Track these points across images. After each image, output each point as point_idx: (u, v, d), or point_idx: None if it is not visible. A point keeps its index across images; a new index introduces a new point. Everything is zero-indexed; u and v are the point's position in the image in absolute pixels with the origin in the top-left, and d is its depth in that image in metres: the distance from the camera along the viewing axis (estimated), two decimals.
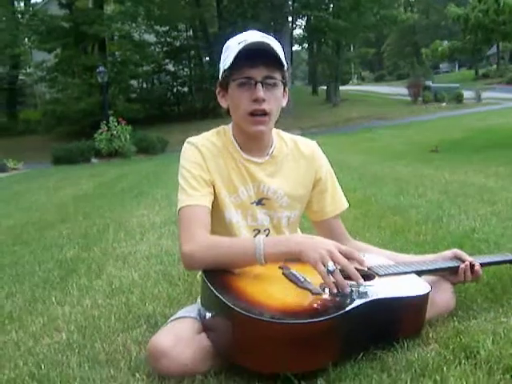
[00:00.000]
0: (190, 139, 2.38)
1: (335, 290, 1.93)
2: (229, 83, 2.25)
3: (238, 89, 2.21)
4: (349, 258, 1.99)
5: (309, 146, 2.53)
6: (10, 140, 31.65)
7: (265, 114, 2.22)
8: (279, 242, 2.09)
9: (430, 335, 2.17)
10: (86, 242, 5.10)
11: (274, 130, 2.44)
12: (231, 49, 2.21)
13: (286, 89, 2.32)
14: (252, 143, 2.36)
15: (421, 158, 10.52)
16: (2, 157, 20.48)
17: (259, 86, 2.17)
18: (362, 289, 2.02)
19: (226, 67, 2.22)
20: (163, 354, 1.99)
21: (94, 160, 21.76)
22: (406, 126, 23.96)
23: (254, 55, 2.15)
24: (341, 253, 1.97)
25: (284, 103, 2.33)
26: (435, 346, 2.08)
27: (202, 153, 2.32)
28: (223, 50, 2.30)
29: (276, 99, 2.25)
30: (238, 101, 2.23)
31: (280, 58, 2.19)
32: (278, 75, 2.23)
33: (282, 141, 2.46)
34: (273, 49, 2.16)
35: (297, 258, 2.02)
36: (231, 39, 2.28)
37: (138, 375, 2.09)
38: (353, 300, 1.94)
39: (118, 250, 4.60)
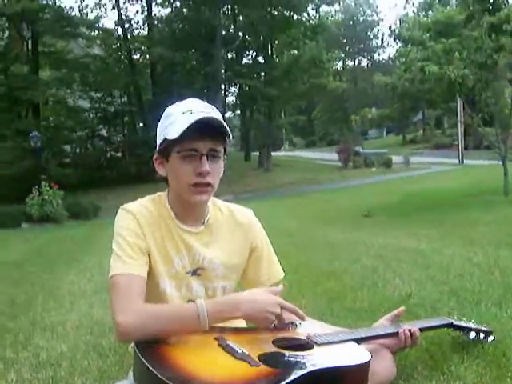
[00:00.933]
0: (126, 206, 2.30)
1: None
2: (170, 153, 2.20)
3: (181, 160, 2.17)
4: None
5: (244, 214, 2.50)
6: None
7: (208, 185, 2.19)
8: (222, 306, 2.06)
9: None
10: (13, 310, 4.93)
11: (210, 199, 2.39)
12: (175, 118, 2.17)
13: (225, 159, 2.30)
14: (189, 212, 2.31)
15: (353, 222, 10.66)
16: None
17: (204, 159, 2.15)
18: (301, 359, 1.97)
19: (169, 137, 2.16)
20: None
21: (24, 225, 21.27)
22: (337, 190, 24.36)
23: (201, 128, 2.12)
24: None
25: (222, 172, 2.30)
26: None
27: (138, 220, 2.25)
28: (164, 117, 2.26)
29: (218, 171, 2.24)
30: (181, 172, 2.19)
31: (227, 132, 2.17)
32: (221, 147, 2.21)
33: (217, 209, 2.43)
34: (220, 122, 2.15)
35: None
36: (173, 106, 2.26)
37: None
38: (294, 370, 1.88)
39: (47, 320, 4.45)
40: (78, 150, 42.23)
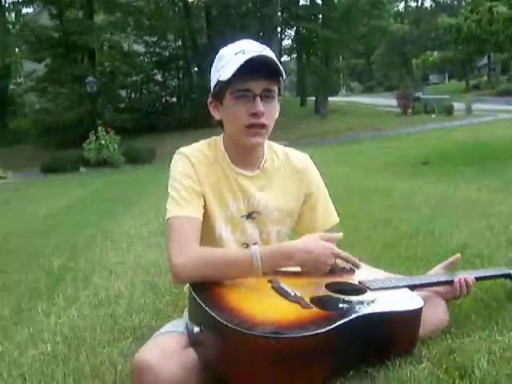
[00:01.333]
0: (182, 150, 2.32)
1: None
2: (224, 95, 2.19)
3: (235, 101, 2.16)
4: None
5: (301, 159, 2.48)
6: (0, 149, 31.48)
7: (263, 126, 2.18)
8: (276, 255, 2.07)
9: (423, 353, 2.11)
10: (73, 251, 5.08)
11: (267, 142, 2.38)
12: (228, 59, 2.16)
13: (280, 100, 2.28)
14: (244, 156, 2.31)
15: (411, 170, 10.44)
16: None
17: (258, 99, 2.13)
18: (354, 303, 1.99)
19: (222, 78, 2.15)
20: (148, 370, 1.93)
21: (82, 169, 21.67)
22: (395, 137, 23.86)
23: (254, 67, 2.09)
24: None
25: (277, 114, 2.28)
26: (428, 364, 2.02)
27: (194, 164, 2.26)
28: (217, 59, 2.24)
29: (273, 112, 2.21)
30: (234, 114, 2.18)
31: (280, 71, 2.14)
32: (275, 87, 2.19)
33: (274, 153, 2.42)
34: (273, 61, 2.12)
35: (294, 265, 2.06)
36: (225, 48, 2.24)
37: None
38: (345, 314, 1.91)
39: (105, 261, 4.57)
40: (133, 95, 42.45)
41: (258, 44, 2.19)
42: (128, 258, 4.59)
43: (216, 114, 2.28)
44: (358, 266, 2.14)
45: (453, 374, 1.92)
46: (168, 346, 2.03)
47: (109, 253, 4.90)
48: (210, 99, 2.28)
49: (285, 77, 2.19)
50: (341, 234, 2.21)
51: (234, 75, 2.09)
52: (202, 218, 2.21)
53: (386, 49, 72.49)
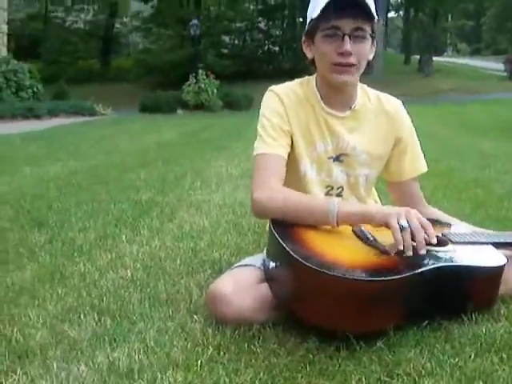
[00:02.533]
0: (273, 87, 2.33)
1: (401, 248, 1.82)
2: (315, 33, 2.16)
3: (324, 39, 2.12)
4: (423, 227, 1.87)
5: (393, 103, 2.43)
6: (101, 86, 32.27)
7: (351, 65, 2.13)
8: (354, 214, 2.00)
9: (502, 312, 2.06)
10: (162, 186, 5.14)
11: (359, 85, 2.34)
12: None
13: (375, 42, 2.21)
14: (335, 95, 2.27)
15: (510, 134, 10.14)
16: (92, 101, 20.88)
17: (347, 38, 2.07)
18: (432, 254, 1.94)
19: (313, 16, 2.12)
20: (222, 299, 1.97)
21: (179, 111, 21.99)
22: (498, 101, 23.10)
23: (342, 5, 2.04)
24: (419, 220, 1.87)
25: (371, 56, 2.22)
26: (506, 323, 1.97)
27: (284, 102, 2.26)
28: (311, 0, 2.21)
29: (363, 53, 2.15)
30: (324, 52, 2.14)
31: (370, 10, 2.07)
32: (367, 27, 2.11)
33: (366, 96, 2.36)
34: (364, 1, 2.05)
35: (371, 220, 1.96)
36: None
37: (195, 317, 2.08)
38: (423, 263, 1.86)
39: (193, 197, 4.61)
40: (236, 42, 42.57)
41: None
42: (215, 197, 4.61)
43: (308, 53, 2.27)
44: (431, 238, 1.95)
45: None
46: (243, 278, 2.06)
47: (197, 190, 4.93)
48: (303, 38, 2.27)
49: (376, 18, 2.11)
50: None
51: (322, 12, 2.05)
52: (286, 156, 2.21)
53: (498, 11, 69.66)
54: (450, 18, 54.27)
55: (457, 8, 45.69)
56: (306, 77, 2.36)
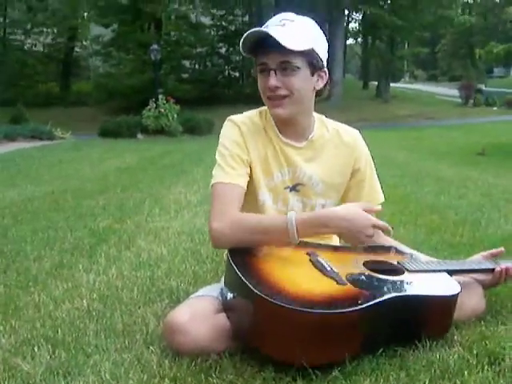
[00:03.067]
0: (232, 117, 2.35)
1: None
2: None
3: (258, 75, 2.21)
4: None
5: (351, 134, 2.46)
6: (61, 110, 31.99)
7: (283, 97, 2.17)
8: (312, 220, 2.07)
9: (455, 338, 2.10)
10: (120, 213, 5.11)
11: (317, 116, 2.38)
12: None
13: (322, 72, 2.23)
14: (288, 127, 2.30)
15: (466, 160, 10.33)
16: (51, 125, 20.67)
17: (272, 73, 2.14)
18: (389, 284, 1.97)
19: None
20: (179, 330, 1.97)
21: (140, 136, 21.84)
22: (454, 127, 23.58)
23: (261, 42, 2.11)
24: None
25: (318, 86, 2.25)
26: (459, 349, 2.00)
27: (242, 131, 2.29)
28: None
29: (295, 84, 2.16)
30: (260, 87, 2.23)
31: (281, 45, 2.07)
32: (296, 60, 2.14)
33: (324, 127, 2.40)
34: (282, 36, 2.06)
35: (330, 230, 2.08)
36: (271, 20, 2.23)
37: (152, 348, 2.08)
38: (380, 293, 1.89)
39: (151, 225, 4.59)
40: (196, 67, 42.66)
41: (285, 16, 2.17)
42: (174, 224, 4.60)
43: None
44: (389, 234, 2.13)
45: (482, 360, 1.90)
46: (200, 308, 2.07)
47: (156, 217, 4.91)
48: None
49: (301, 49, 2.12)
50: (379, 208, 2.20)
51: (250, 52, 2.17)
52: (245, 186, 2.23)
53: (452, 39, 71.18)
54: (406, 46, 55.18)
55: (413, 36, 46.48)
56: (264, 107, 2.37)
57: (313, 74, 2.20)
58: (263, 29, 2.11)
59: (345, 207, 2.15)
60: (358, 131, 2.50)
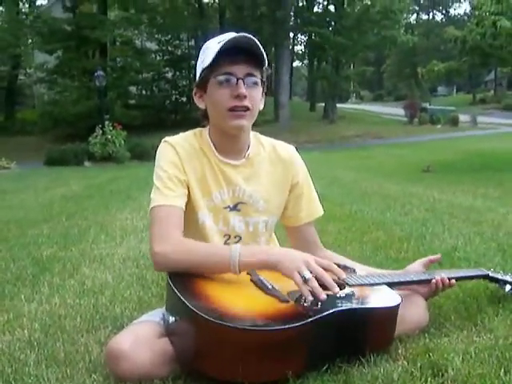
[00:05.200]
0: (167, 138, 2.33)
1: (310, 298, 1.86)
2: (208, 82, 2.20)
3: (218, 85, 2.16)
4: (326, 269, 1.94)
5: (287, 150, 2.48)
6: (5, 139, 31.51)
7: (246, 109, 2.17)
8: (255, 253, 2.05)
9: (399, 351, 2.11)
10: (65, 241, 5.03)
11: (252, 133, 2.39)
12: (211, 48, 2.16)
13: (263, 92, 2.27)
14: (229, 144, 2.30)
15: (412, 177, 10.54)
16: None
17: (241, 82, 2.13)
18: (330, 298, 1.96)
19: (205, 66, 2.17)
20: (121, 356, 1.93)
21: (87, 163, 21.65)
22: (400, 145, 24.07)
23: (235, 52, 2.11)
24: (319, 264, 1.93)
25: (261, 106, 2.27)
26: (403, 362, 2.02)
27: (179, 153, 2.27)
28: (201, 52, 2.26)
29: (256, 98, 2.21)
30: (218, 97, 2.18)
31: (261, 55, 2.14)
32: (258, 74, 2.18)
33: (260, 144, 2.41)
34: (254, 45, 2.11)
35: (272, 268, 1.98)
36: (211, 40, 2.25)
37: (94, 376, 2.04)
38: (322, 309, 1.89)
39: (96, 252, 4.53)
40: (143, 92, 42.58)
41: (243, 34, 2.15)
42: (119, 250, 4.55)
43: (201, 104, 2.30)
44: (340, 275, 1.99)
45: (426, 372, 1.92)
46: (141, 333, 2.04)
47: (101, 244, 4.85)
48: (194, 90, 2.30)
49: (267, 63, 2.18)
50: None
51: (216, 59, 2.11)
52: (184, 207, 2.21)
53: (397, 59, 72.81)
54: (352, 66, 56.06)
55: (357, 56, 47.34)
56: (199, 128, 2.38)
57: (262, 94, 2.24)
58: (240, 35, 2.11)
59: (293, 257, 2.00)
60: (293, 147, 2.53)
